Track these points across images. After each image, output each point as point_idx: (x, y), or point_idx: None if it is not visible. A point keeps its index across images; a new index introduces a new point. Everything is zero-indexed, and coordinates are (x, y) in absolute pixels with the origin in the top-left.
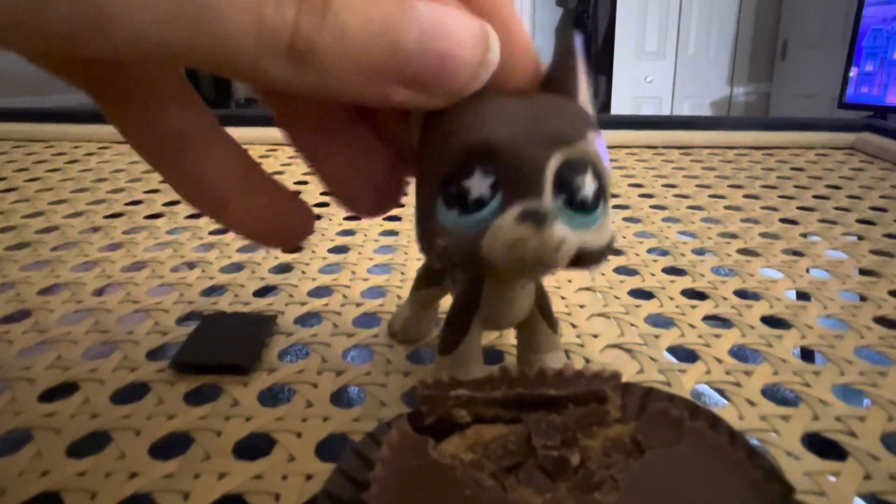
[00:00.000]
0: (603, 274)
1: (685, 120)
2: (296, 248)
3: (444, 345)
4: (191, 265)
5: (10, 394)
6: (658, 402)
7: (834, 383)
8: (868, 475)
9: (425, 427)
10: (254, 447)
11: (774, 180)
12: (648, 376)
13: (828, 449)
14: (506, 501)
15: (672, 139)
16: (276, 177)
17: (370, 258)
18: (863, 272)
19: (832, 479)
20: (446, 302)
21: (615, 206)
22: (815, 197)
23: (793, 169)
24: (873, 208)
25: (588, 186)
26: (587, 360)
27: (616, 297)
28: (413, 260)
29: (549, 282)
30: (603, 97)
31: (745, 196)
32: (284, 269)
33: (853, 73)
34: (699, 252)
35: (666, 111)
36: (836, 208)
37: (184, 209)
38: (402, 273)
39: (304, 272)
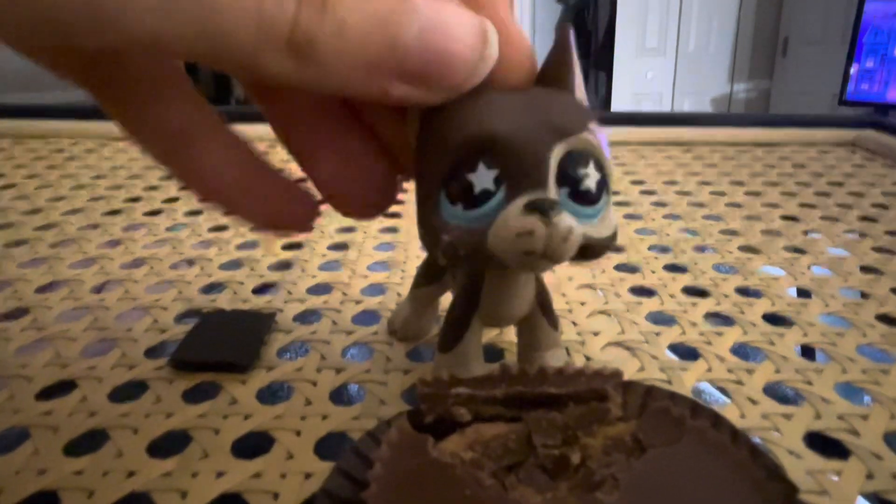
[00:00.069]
0: (604, 271)
1: (686, 116)
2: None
3: (445, 342)
4: (190, 262)
5: (8, 392)
6: (659, 400)
7: (836, 381)
8: (871, 474)
9: (425, 425)
10: (252, 445)
11: (775, 177)
12: (649, 374)
13: (830, 447)
14: (506, 500)
15: (673, 136)
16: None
17: (370, 255)
18: (864, 269)
19: (834, 478)
20: (446, 299)
21: (616, 203)
22: (816, 194)
23: (794, 166)
24: (875, 205)
25: (591, 178)
26: (588, 358)
27: (617, 295)
28: (413, 257)
29: (549, 279)
30: (603, 94)
31: (747, 193)
32: (284, 266)
33: (854, 69)
34: (700, 249)
35: (666, 108)
36: (838, 205)
37: (183, 206)
38: (402, 270)
39: (303, 269)
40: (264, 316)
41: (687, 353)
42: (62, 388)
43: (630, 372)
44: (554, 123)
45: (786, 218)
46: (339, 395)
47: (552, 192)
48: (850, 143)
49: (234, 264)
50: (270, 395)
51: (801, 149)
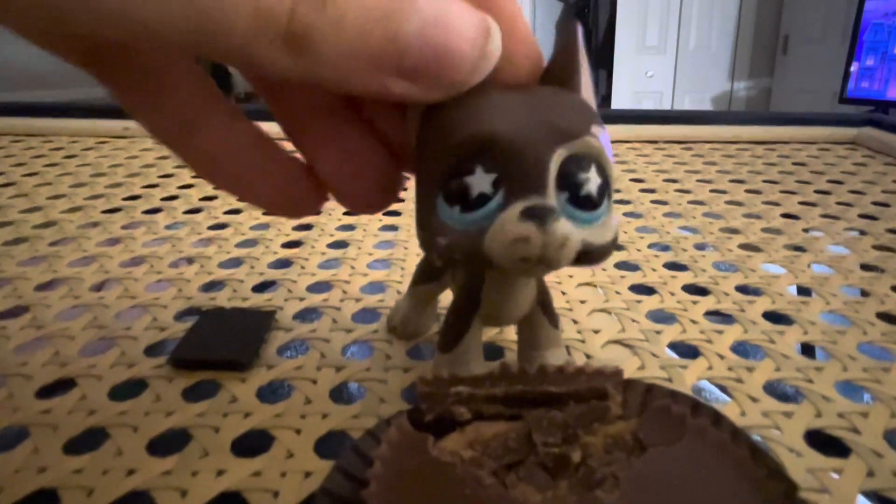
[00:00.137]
0: (604, 269)
1: (686, 115)
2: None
3: (445, 342)
4: (189, 260)
5: (7, 390)
6: (660, 398)
7: (836, 379)
8: (871, 472)
9: (425, 424)
10: (252, 444)
11: (776, 175)
12: (650, 372)
13: (830, 446)
14: (506, 499)
15: (673, 134)
16: None
17: (370, 253)
18: (865, 267)
19: (835, 476)
20: (446, 297)
21: (617, 201)
22: (816, 192)
23: (794, 164)
24: (876, 203)
25: (592, 183)
26: (588, 357)
27: (617, 293)
28: (413, 255)
29: (549, 277)
30: (604, 92)
31: (747, 191)
32: (283, 264)
33: (854, 67)
34: (700, 247)
35: (667, 106)
36: (839, 203)
37: (182, 204)
38: (402, 268)
39: (303, 267)
40: (264, 314)
41: (687, 351)
42: (62, 386)
43: (630, 370)
44: (555, 126)
45: (786, 216)
46: (339, 394)
47: (552, 196)
48: (850, 141)
49: (234, 262)
50: (270, 393)
51: (801, 147)
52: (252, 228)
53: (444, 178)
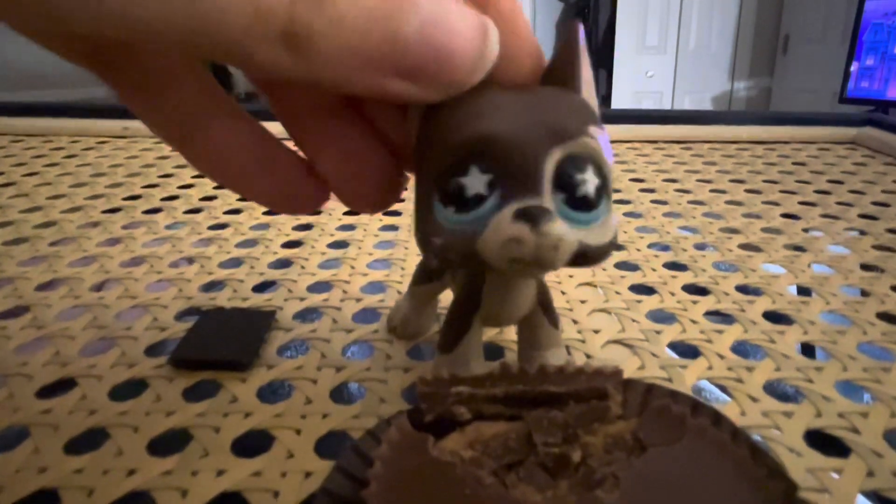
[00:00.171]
0: (604, 269)
1: (686, 114)
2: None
3: (445, 343)
4: (189, 260)
5: (8, 390)
6: (660, 398)
7: (836, 379)
8: (871, 472)
9: (425, 424)
10: (252, 444)
11: (776, 175)
12: (650, 372)
13: (830, 445)
14: (506, 499)
15: (673, 134)
16: None
17: (370, 253)
18: (865, 267)
19: (835, 475)
20: (446, 297)
21: (617, 201)
22: (816, 192)
23: (794, 164)
24: (875, 203)
25: (589, 183)
26: (588, 356)
27: (617, 293)
28: (413, 255)
29: (549, 277)
30: (604, 92)
31: (747, 191)
32: (283, 264)
33: (854, 67)
34: (700, 247)
35: (667, 106)
36: (839, 203)
37: (182, 204)
38: (402, 268)
39: (303, 267)
40: (264, 314)
41: (687, 351)
42: (62, 386)
43: (630, 370)
44: (551, 126)
45: (786, 216)
46: (340, 394)
47: (547, 197)
48: (850, 140)
49: (234, 262)
50: (271, 393)
51: (801, 146)
52: (252, 228)
53: (441, 179)
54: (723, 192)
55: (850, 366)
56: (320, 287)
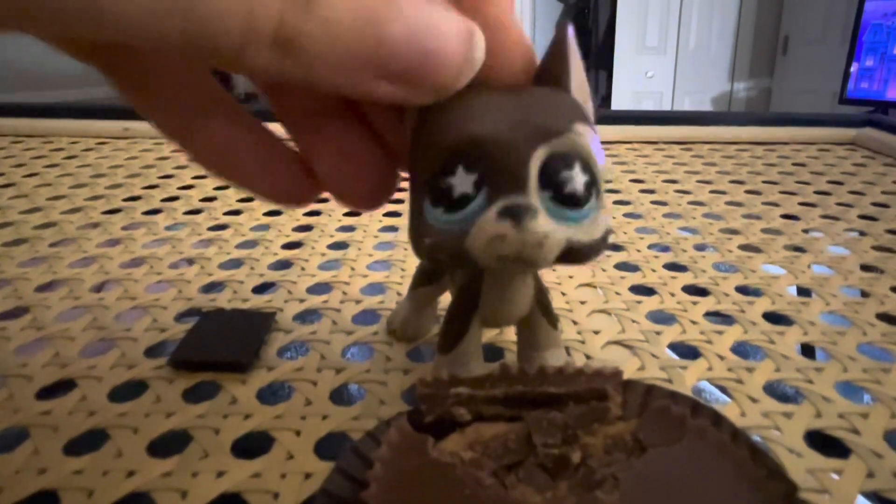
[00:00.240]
0: (604, 270)
1: (686, 115)
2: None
3: (445, 343)
4: (189, 261)
5: (7, 391)
6: (659, 399)
7: (836, 380)
8: (871, 473)
9: (425, 425)
10: (252, 445)
11: (776, 176)
12: (650, 373)
13: (830, 446)
14: (506, 500)
15: (673, 134)
16: None
17: (370, 254)
18: (865, 268)
19: (835, 476)
20: (446, 299)
21: (616, 202)
22: (816, 192)
23: (794, 164)
24: (875, 204)
25: (576, 180)
26: (588, 357)
27: (617, 294)
28: (413, 256)
29: (549, 278)
30: (603, 92)
31: (747, 192)
32: (283, 265)
33: (854, 68)
34: (700, 248)
35: (667, 106)
36: (838, 204)
37: (182, 205)
38: (402, 269)
39: (303, 269)
40: (264, 315)
41: (687, 351)
42: (62, 387)
43: (630, 371)
44: (536, 125)
45: (786, 216)
46: (339, 395)
47: (533, 195)
48: (850, 141)
49: (234, 263)
50: (270, 394)
51: (801, 147)
52: (252, 229)
53: (430, 180)
54: (723, 192)
55: (849, 366)
56: (320, 288)
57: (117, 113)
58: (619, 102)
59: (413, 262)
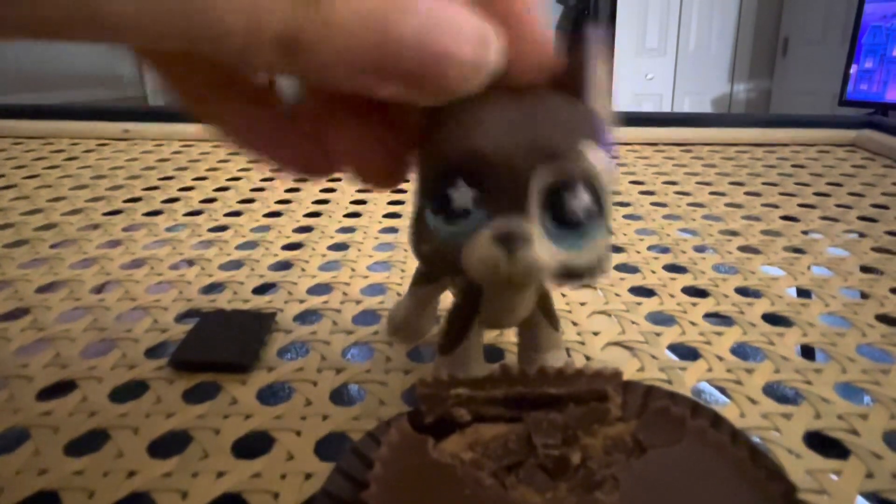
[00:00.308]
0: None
1: (686, 117)
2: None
3: (445, 344)
4: (190, 262)
5: (8, 392)
6: (659, 400)
7: (836, 381)
8: (870, 473)
9: (425, 426)
10: (253, 446)
11: (775, 177)
12: (649, 374)
13: (830, 447)
14: (506, 500)
15: (673, 136)
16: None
17: (370, 255)
18: (864, 269)
19: (834, 477)
20: (446, 298)
21: (616, 203)
22: (816, 194)
23: (794, 166)
24: (875, 205)
25: (576, 203)
26: (588, 358)
27: (617, 295)
28: (413, 257)
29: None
30: None
31: (746, 193)
32: (284, 266)
33: (853, 70)
34: (700, 249)
35: (667, 108)
36: (838, 205)
37: (182, 206)
38: (403, 270)
39: (303, 269)
40: (264, 316)
41: (687, 353)
42: (62, 388)
43: (630, 372)
44: (541, 144)
45: (785, 218)
46: (340, 396)
47: (533, 215)
48: (849, 143)
49: (234, 264)
50: (271, 395)
51: (800, 149)
52: (252, 230)
53: (432, 187)
54: (722, 194)
55: (849, 368)
56: (320, 289)
57: (118, 114)
58: (618, 104)
59: (413, 264)
